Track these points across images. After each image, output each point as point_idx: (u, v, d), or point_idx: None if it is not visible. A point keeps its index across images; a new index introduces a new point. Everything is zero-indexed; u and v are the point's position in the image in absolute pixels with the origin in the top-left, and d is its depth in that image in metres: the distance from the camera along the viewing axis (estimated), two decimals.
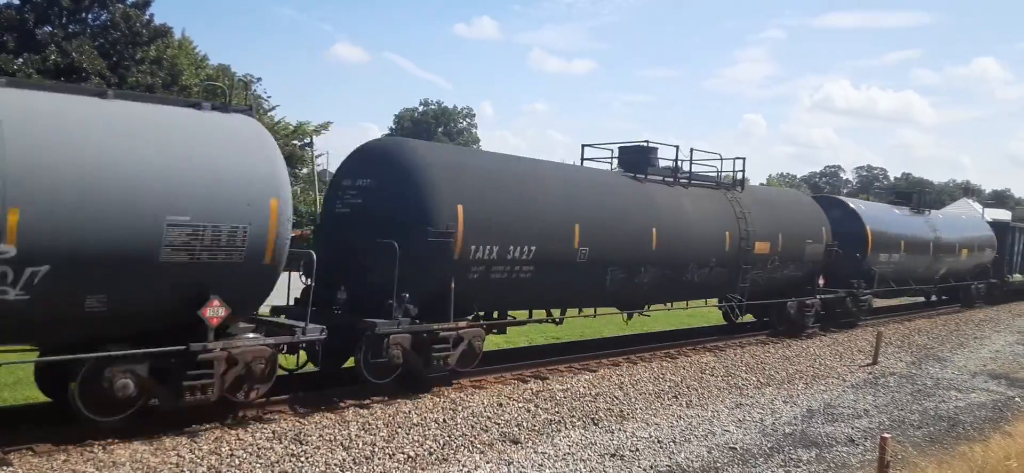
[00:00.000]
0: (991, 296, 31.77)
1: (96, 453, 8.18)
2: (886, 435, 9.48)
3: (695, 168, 17.35)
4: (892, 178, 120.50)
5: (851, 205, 22.73)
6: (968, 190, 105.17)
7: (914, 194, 28.79)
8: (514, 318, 14.07)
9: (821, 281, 20.02)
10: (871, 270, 22.04)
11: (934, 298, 30.60)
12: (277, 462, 8.49)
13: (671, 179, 16.35)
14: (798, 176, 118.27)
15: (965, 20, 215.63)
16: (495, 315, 13.59)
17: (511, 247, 12.03)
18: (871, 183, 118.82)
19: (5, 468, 7.67)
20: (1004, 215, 54.43)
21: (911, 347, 20.01)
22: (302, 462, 8.58)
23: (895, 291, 25.08)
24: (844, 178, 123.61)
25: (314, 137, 42.36)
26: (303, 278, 10.89)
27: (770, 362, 16.22)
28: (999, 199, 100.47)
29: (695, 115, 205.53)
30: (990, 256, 31.03)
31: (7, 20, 29.11)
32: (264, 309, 10.43)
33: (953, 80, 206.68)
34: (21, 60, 28.04)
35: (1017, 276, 33.73)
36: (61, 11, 30.43)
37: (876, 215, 23.41)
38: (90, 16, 31.54)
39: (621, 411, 11.83)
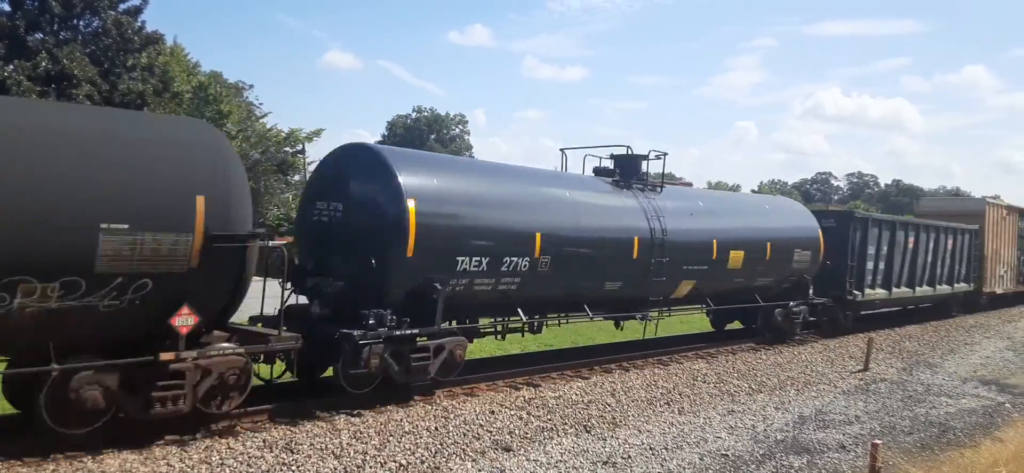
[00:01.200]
0: (828, 324, 20.72)
1: (86, 463, 8.14)
2: (877, 441, 9.54)
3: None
4: (883, 185, 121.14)
5: (389, 164, 11.24)
6: (958, 196, 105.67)
7: (634, 159, 16.13)
8: None
9: (183, 321, 8.67)
10: (430, 287, 11.36)
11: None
12: (268, 471, 8.46)
13: None
14: (789, 182, 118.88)
15: (955, 29, 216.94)
16: None
17: None
18: (862, 189, 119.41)
19: None
20: None
21: (902, 353, 20.07)
22: (293, 471, 8.55)
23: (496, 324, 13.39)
24: (835, 185, 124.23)
25: (306, 144, 42.52)
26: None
27: (762, 369, 16.25)
28: None
29: (687, 122, 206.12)
30: (810, 264, 19.51)
31: None
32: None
33: (943, 88, 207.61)
34: (12, 67, 27.92)
35: (878, 292, 22.52)
36: (52, 18, 30.33)
37: (451, 183, 11.94)
38: (82, 23, 31.45)
39: (613, 418, 11.84)
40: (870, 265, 21.92)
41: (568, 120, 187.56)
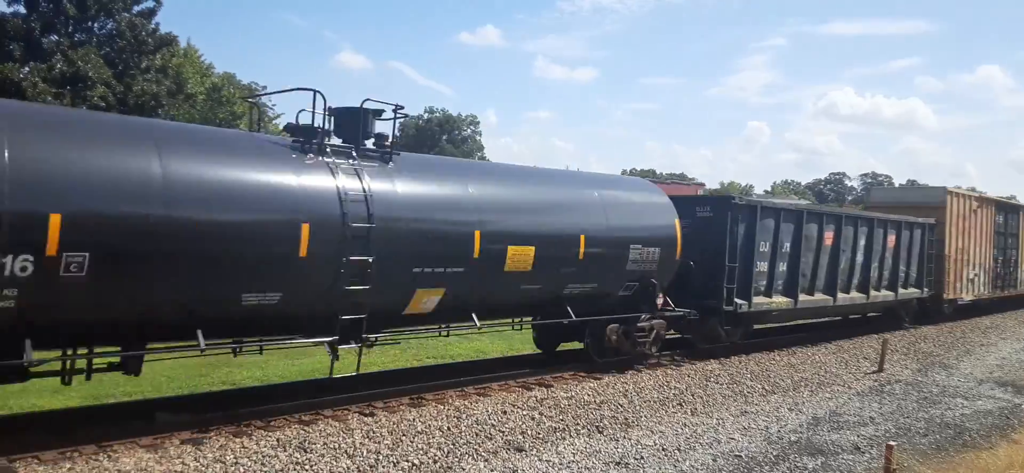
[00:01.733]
0: (703, 340, 16.58)
1: (101, 461, 8.20)
2: (892, 443, 9.49)
3: None
4: (897, 185, 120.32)
5: None
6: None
7: (349, 115, 11.13)
8: None
9: None
10: None
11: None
12: (282, 470, 8.49)
13: None
14: (803, 183, 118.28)
15: (968, 28, 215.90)
16: None
17: None
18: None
19: None
20: None
21: (917, 354, 19.93)
22: (306, 470, 8.58)
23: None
24: (849, 185, 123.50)
25: None
26: None
27: (775, 370, 16.17)
28: None
29: (699, 122, 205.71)
30: (661, 266, 14.52)
31: (13, 29, 29.24)
32: None
33: (957, 87, 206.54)
34: (27, 69, 28.20)
35: (777, 301, 17.66)
36: (67, 20, 30.62)
37: None
38: (96, 25, 31.73)
39: (626, 419, 11.82)
40: (762, 266, 17.15)
41: (579, 121, 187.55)
